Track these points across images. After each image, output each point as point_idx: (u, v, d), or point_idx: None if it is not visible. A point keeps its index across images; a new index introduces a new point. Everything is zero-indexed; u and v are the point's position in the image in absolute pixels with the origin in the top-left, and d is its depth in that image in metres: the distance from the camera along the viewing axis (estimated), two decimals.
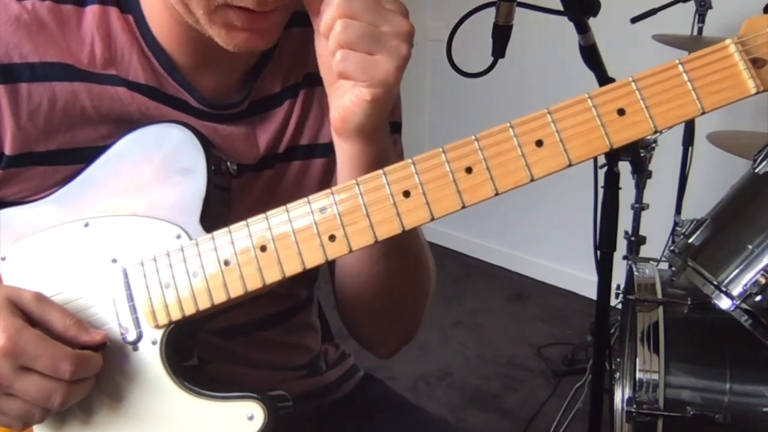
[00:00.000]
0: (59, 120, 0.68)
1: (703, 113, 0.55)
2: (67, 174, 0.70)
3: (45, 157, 0.69)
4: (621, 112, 0.55)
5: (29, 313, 0.62)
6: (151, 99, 0.71)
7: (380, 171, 0.59)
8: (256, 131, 0.77)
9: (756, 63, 0.54)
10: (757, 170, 1.19)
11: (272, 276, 0.61)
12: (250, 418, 0.62)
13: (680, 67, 0.55)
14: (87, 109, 0.69)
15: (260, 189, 0.78)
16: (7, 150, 0.68)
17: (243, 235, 0.62)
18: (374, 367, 1.02)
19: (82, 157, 0.70)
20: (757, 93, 0.54)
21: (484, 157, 0.57)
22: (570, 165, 0.57)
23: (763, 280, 1.08)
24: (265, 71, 0.77)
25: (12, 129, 0.67)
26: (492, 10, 1.01)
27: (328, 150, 0.79)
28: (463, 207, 0.58)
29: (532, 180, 0.57)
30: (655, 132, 0.56)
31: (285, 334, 0.87)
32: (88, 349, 0.63)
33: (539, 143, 0.56)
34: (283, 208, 0.61)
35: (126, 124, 0.70)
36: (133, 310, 0.65)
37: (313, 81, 0.78)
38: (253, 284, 0.62)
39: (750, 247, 1.12)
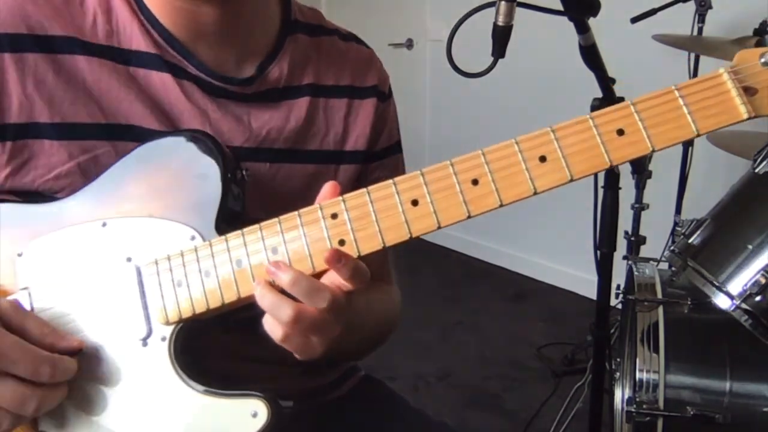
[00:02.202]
0: (63, 92, 0.71)
1: (698, 135, 0.58)
2: (72, 150, 0.71)
3: (49, 130, 0.71)
4: (620, 132, 0.59)
5: (6, 321, 0.62)
6: (153, 68, 0.74)
7: (390, 181, 0.62)
8: (251, 116, 0.79)
9: (748, 91, 0.58)
10: (757, 170, 1.18)
11: None
12: (254, 415, 0.63)
13: (676, 93, 0.58)
14: (88, 83, 0.71)
15: (259, 182, 0.79)
16: (14, 118, 0.70)
17: (256, 238, 0.64)
18: (374, 367, 1.02)
19: (84, 133, 0.72)
20: (749, 118, 0.58)
21: (489, 170, 0.60)
22: (572, 180, 0.59)
23: (763, 280, 1.08)
24: (273, 64, 0.80)
25: (18, 97, 0.69)
26: (492, 10, 1.01)
27: (339, 158, 0.83)
28: (469, 217, 0.61)
29: (536, 193, 0.60)
30: (653, 151, 0.59)
31: None
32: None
33: (542, 159, 0.59)
34: (295, 213, 0.63)
35: (127, 97, 0.72)
36: (145, 306, 0.67)
37: (318, 92, 0.83)
38: None
39: (750, 247, 1.11)
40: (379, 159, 0.88)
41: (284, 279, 0.61)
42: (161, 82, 0.74)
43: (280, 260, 0.63)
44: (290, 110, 0.81)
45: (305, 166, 0.82)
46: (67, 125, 0.71)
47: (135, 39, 0.74)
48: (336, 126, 0.84)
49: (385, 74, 0.92)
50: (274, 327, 0.62)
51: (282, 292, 0.62)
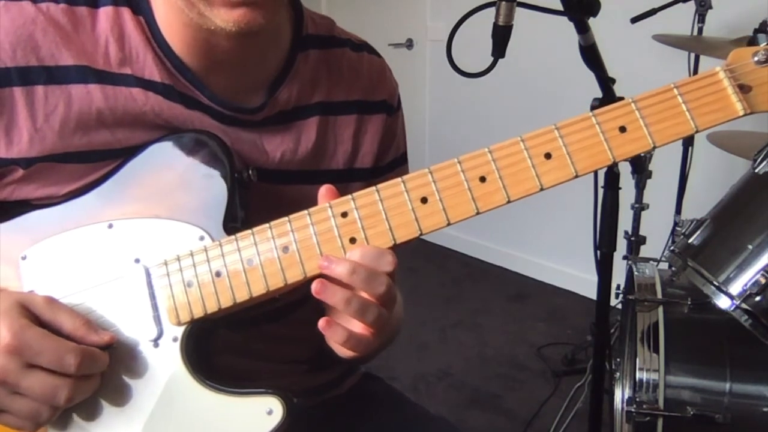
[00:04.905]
0: (75, 124, 0.69)
1: (697, 132, 0.61)
2: (85, 172, 0.71)
3: (61, 158, 0.70)
4: (622, 129, 0.60)
5: (40, 316, 0.63)
6: (166, 97, 0.72)
7: (399, 179, 0.63)
8: (264, 140, 0.78)
9: (743, 88, 0.60)
10: (757, 170, 1.18)
11: (294, 276, 0.64)
12: (269, 412, 0.64)
13: (675, 90, 0.60)
14: (102, 112, 0.70)
15: (275, 203, 0.78)
16: (24, 152, 0.68)
17: (266, 237, 0.64)
18: (375, 367, 1.02)
19: (100, 157, 0.71)
20: (744, 115, 0.60)
21: (497, 168, 0.61)
22: (577, 176, 0.61)
23: (763, 280, 1.08)
24: (282, 87, 0.78)
25: (29, 131, 0.68)
26: (492, 10, 1.01)
27: (349, 176, 0.83)
28: (477, 213, 0.62)
29: (542, 189, 0.61)
30: (654, 147, 0.60)
31: (290, 327, 0.87)
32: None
33: (548, 156, 0.61)
34: (305, 212, 0.64)
35: (140, 125, 0.71)
36: (155, 308, 0.67)
37: (328, 110, 0.81)
38: (275, 283, 0.64)
39: (750, 247, 1.11)
40: (384, 173, 0.87)
41: (342, 270, 0.61)
42: (174, 112, 0.73)
43: (326, 254, 0.63)
44: (301, 132, 0.80)
45: (319, 186, 0.81)
46: (79, 153, 0.70)
47: (148, 68, 0.71)
48: (345, 143, 0.83)
49: (395, 84, 0.91)
50: (340, 328, 0.62)
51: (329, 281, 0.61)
